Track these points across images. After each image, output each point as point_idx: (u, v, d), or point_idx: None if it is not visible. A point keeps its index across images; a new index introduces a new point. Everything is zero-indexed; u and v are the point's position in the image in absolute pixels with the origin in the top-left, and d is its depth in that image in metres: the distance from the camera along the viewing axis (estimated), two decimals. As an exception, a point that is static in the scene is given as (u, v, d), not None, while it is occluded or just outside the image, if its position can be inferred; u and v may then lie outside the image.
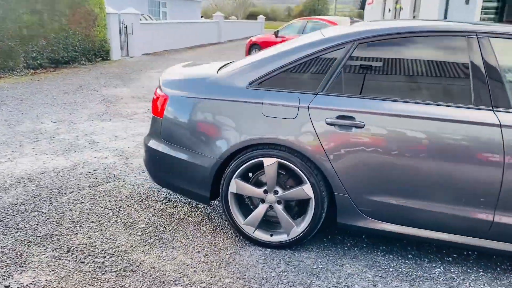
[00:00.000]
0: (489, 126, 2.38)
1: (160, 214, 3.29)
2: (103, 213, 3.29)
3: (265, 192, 2.78)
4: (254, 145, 2.72)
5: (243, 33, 28.47)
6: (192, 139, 2.87)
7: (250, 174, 2.90)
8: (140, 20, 14.95)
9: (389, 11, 17.86)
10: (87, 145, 4.93)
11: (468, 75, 2.50)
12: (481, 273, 2.66)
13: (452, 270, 2.68)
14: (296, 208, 2.90)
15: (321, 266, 2.68)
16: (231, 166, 2.78)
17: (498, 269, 2.71)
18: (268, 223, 2.93)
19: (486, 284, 2.55)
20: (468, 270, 2.68)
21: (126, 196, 3.60)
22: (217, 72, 3.03)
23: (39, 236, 2.92)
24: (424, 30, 2.63)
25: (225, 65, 3.29)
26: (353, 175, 2.58)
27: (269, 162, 2.70)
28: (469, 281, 2.58)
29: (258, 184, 2.87)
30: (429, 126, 2.45)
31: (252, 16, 47.82)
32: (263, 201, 2.81)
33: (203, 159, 2.83)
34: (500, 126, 2.37)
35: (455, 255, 2.85)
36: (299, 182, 2.75)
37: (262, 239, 2.86)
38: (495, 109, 2.41)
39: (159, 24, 17.19)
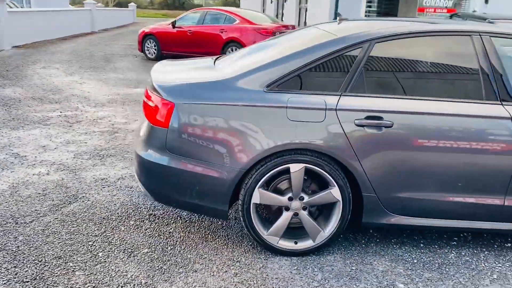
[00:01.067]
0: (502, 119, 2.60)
1: (157, 235, 2.94)
2: (90, 241, 2.82)
3: (289, 199, 2.67)
4: (279, 152, 2.58)
5: (116, 21, 26.72)
6: (207, 150, 2.61)
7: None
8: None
9: (271, 2, 18.36)
10: (14, 161, 4.16)
11: (478, 72, 2.68)
12: (485, 252, 2.92)
13: (463, 253, 2.89)
14: (317, 213, 2.84)
15: (353, 267, 2.67)
16: (253, 176, 2.59)
17: (495, 245, 3.01)
18: (287, 230, 2.81)
19: (496, 262, 2.81)
20: (475, 251, 2.93)
21: (104, 218, 3.13)
22: (214, 64, 2.80)
23: (27, 282, 2.39)
24: (435, 30, 2.75)
25: (217, 58, 3.08)
26: (382, 174, 2.61)
27: (296, 168, 2.58)
28: (481, 261, 2.81)
29: (277, 191, 2.74)
30: (451, 122, 2.58)
31: (120, 4, 45.21)
32: (287, 208, 2.69)
33: (221, 171, 2.59)
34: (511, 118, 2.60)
35: (456, 239, 3.08)
36: (321, 186, 2.69)
37: (288, 248, 2.74)
38: (503, 103, 2.64)
39: (29, 13, 15.23)
